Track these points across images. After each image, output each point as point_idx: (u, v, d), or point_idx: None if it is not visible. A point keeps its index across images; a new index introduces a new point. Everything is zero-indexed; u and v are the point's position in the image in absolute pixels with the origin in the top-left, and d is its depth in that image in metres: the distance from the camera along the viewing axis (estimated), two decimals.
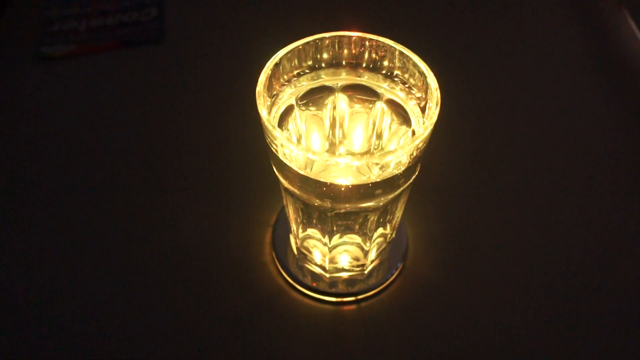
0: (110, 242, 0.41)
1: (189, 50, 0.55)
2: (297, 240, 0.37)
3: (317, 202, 0.30)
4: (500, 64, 0.54)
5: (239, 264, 0.40)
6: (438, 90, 0.29)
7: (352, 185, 0.28)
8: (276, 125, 0.30)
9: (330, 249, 0.35)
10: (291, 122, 0.33)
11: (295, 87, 0.32)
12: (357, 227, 0.33)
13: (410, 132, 0.32)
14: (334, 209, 0.30)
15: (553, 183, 0.45)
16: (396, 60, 0.31)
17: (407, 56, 0.30)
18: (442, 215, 0.43)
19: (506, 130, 0.48)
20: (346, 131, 0.36)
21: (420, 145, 0.27)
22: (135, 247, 0.41)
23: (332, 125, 0.35)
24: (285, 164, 0.28)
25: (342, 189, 0.28)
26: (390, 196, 0.30)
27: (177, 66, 0.54)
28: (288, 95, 0.32)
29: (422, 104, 0.30)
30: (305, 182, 0.29)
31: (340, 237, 0.34)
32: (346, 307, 0.38)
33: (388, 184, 0.28)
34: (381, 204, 0.30)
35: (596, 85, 0.52)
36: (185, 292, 0.39)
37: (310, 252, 0.37)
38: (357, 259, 0.37)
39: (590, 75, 0.53)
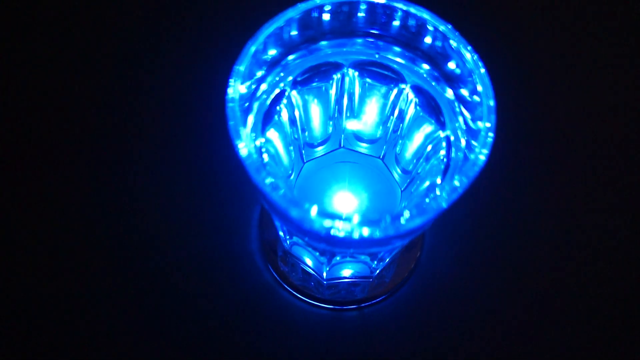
0: (84, 237, 0.34)
1: None
2: (286, 242, 0.30)
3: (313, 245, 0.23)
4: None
5: (218, 252, 0.33)
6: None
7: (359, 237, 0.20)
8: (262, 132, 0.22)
9: (329, 267, 0.28)
10: (286, 107, 0.25)
11: (290, 67, 0.24)
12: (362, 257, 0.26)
13: (439, 134, 0.24)
14: (335, 253, 0.23)
15: (578, 179, 0.37)
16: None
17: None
18: (461, 212, 0.35)
19: (527, 123, 0.39)
20: (356, 110, 0.28)
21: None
22: (109, 239, 0.34)
23: (339, 101, 0.27)
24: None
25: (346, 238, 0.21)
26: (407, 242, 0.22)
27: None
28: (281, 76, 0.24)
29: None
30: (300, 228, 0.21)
31: (343, 256, 0.27)
32: (346, 310, 0.33)
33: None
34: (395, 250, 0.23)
35: None
36: (156, 288, 0.32)
37: (301, 260, 0.30)
38: (362, 273, 0.30)
39: None
